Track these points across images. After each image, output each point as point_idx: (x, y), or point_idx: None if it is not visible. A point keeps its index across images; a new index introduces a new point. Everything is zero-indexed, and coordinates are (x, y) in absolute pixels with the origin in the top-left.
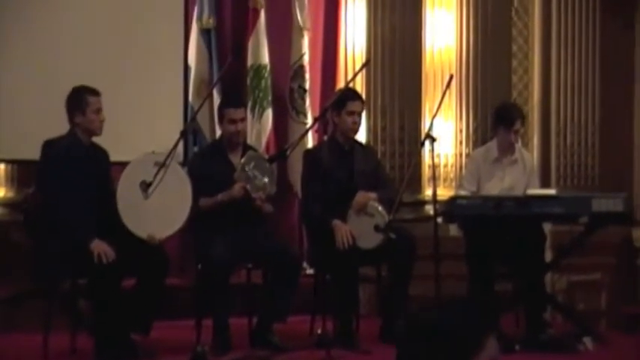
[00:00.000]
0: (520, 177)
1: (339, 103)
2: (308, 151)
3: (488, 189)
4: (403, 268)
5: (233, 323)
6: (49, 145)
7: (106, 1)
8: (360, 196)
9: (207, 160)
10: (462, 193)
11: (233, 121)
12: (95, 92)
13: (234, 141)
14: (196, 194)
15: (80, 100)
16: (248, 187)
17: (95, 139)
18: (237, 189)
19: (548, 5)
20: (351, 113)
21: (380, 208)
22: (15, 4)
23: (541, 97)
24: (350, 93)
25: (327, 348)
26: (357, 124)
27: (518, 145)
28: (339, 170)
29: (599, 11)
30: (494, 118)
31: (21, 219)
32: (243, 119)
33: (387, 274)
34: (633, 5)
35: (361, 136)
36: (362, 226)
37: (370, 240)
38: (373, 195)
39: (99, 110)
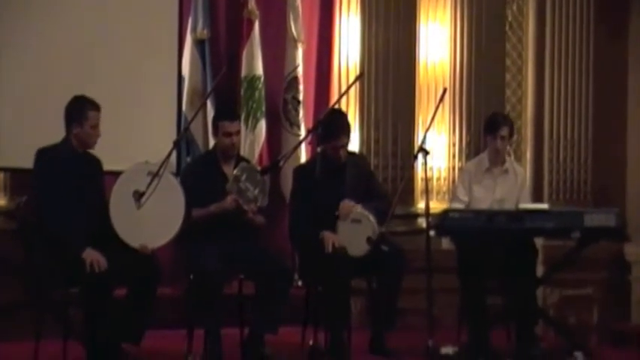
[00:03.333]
0: (511, 188)
1: (326, 135)
2: (298, 168)
3: (478, 199)
4: (393, 282)
5: (224, 334)
6: (42, 153)
7: (101, 12)
8: (344, 204)
9: (200, 171)
10: (456, 204)
11: (228, 134)
12: (96, 107)
13: (229, 154)
14: (189, 205)
15: (80, 112)
16: (240, 200)
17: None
18: (229, 201)
19: (542, 20)
20: (336, 148)
21: (368, 214)
22: (11, 15)
23: (534, 111)
24: (337, 127)
25: (319, 359)
26: (343, 156)
27: (511, 158)
28: (331, 185)
29: (592, 26)
30: (482, 128)
31: (14, 227)
32: (238, 132)
33: (377, 286)
34: (626, 20)
35: (354, 147)
36: (350, 233)
37: (359, 247)
38: (358, 205)
39: (96, 125)
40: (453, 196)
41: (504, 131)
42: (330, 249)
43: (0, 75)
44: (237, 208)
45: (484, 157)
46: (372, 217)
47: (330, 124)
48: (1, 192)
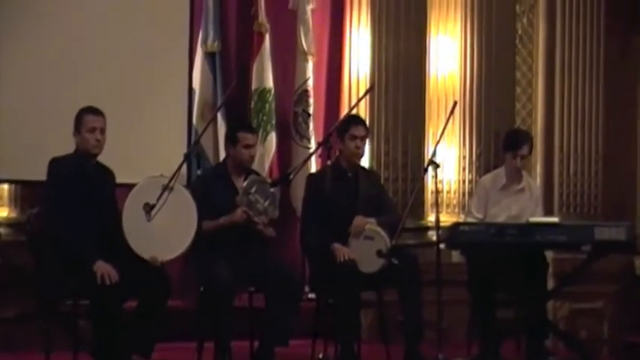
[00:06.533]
0: (527, 206)
1: (343, 128)
2: (311, 176)
3: (494, 216)
4: (412, 292)
5: (234, 346)
6: (55, 163)
7: (112, 23)
8: (357, 220)
9: (211, 183)
10: (471, 219)
11: (248, 146)
12: (94, 111)
13: (246, 166)
14: (199, 217)
15: (78, 119)
16: (250, 213)
17: (101, 160)
18: (238, 213)
19: (552, 33)
20: (354, 137)
21: (381, 231)
22: (18, 26)
23: (544, 124)
24: (353, 118)
25: None
26: (361, 149)
27: (525, 173)
28: (343, 196)
29: (603, 39)
30: (502, 144)
31: (24, 239)
32: (255, 145)
33: (400, 301)
34: (636, 32)
35: (364, 161)
36: (363, 250)
37: (372, 264)
38: (371, 219)
39: (94, 129)
40: (468, 212)
41: (525, 150)
42: (342, 259)
43: (9, 88)
44: (246, 220)
45: (501, 172)
46: (383, 233)
47: (348, 118)
48: (12, 204)
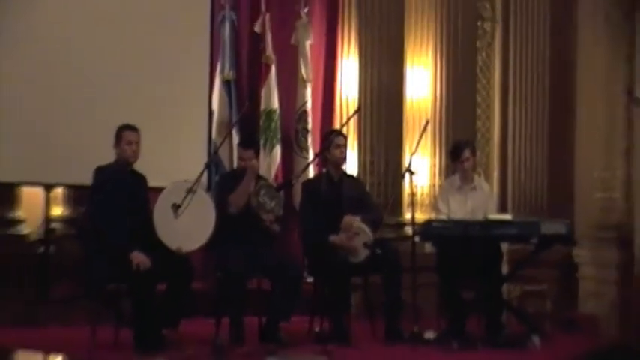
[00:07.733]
0: (479, 201)
1: (329, 142)
2: (306, 182)
3: (454, 210)
4: (392, 277)
5: (246, 321)
6: (99, 171)
7: (147, 59)
8: (347, 218)
9: (231, 180)
10: (440, 216)
11: (240, 159)
12: (131, 128)
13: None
14: (224, 200)
15: (118, 134)
16: (264, 212)
17: (136, 168)
18: (249, 165)
19: (506, 65)
20: (338, 146)
21: (365, 227)
22: (66, 51)
23: (500, 140)
24: (334, 132)
25: (324, 343)
26: (344, 154)
27: (481, 177)
28: (331, 197)
29: (548, 70)
30: (449, 157)
31: (75, 233)
32: (251, 158)
33: (382, 285)
34: (574, 67)
35: (353, 169)
36: (352, 243)
37: (359, 255)
38: (357, 217)
39: (130, 142)
40: (435, 209)
41: (466, 154)
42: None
43: (62, 108)
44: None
45: (455, 178)
46: (367, 229)
47: (331, 133)
48: (66, 204)
